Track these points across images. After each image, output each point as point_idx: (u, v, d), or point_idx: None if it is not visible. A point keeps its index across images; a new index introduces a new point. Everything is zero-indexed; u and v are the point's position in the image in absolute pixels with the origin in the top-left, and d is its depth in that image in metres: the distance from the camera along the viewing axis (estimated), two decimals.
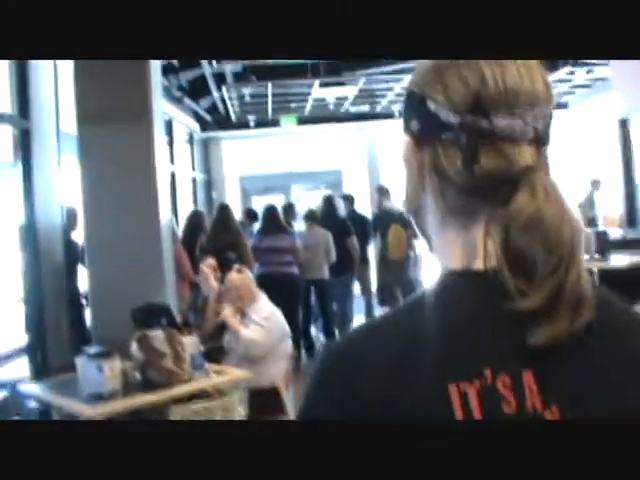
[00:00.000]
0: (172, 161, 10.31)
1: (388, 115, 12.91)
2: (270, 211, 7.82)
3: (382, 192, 9.36)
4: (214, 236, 6.95)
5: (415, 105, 0.89)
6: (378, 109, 12.93)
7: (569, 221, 0.81)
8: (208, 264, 5.29)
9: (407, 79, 1.12)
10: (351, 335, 0.91)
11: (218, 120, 12.44)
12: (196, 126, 12.31)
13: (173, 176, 10.25)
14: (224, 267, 5.42)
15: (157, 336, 3.79)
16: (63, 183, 5.64)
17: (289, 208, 9.15)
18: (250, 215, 10.04)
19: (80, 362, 3.77)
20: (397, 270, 8.48)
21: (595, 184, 10.48)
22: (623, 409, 0.81)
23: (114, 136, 5.17)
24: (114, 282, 5.20)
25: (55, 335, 5.31)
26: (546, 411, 0.79)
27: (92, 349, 3.85)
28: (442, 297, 0.85)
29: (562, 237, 0.79)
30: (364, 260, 9.04)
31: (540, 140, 0.85)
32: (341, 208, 9.06)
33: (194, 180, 12.43)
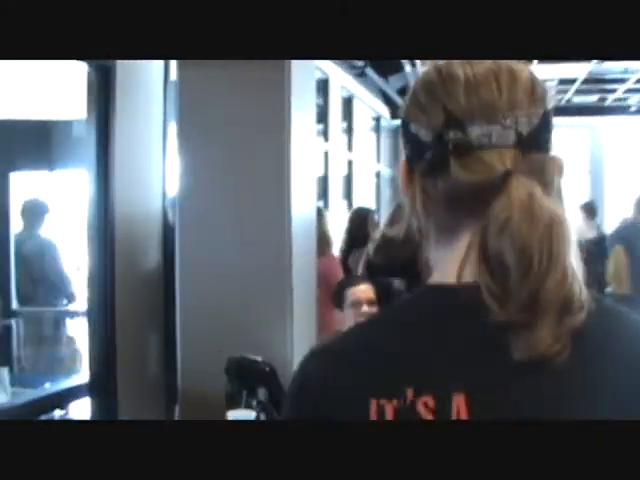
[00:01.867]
0: (350, 148, 8.49)
1: (620, 109, 10.40)
2: None
3: (587, 211, 7.05)
4: (382, 247, 4.97)
5: (404, 131, 0.91)
6: (608, 102, 10.44)
7: (548, 224, 0.78)
8: (358, 294, 3.34)
9: None
10: (328, 343, 0.94)
11: None
12: (385, 110, 10.40)
13: (350, 166, 8.44)
14: (384, 299, 3.46)
15: None
16: (168, 155, 3.87)
17: None
18: None
19: None
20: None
21: None
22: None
23: (224, 85, 3.38)
24: (214, 307, 3.40)
25: (133, 378, 3.59)
26: None
27: None
28: (404, 310, 0.89)
29: (534, 240, 0.77)
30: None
31: (524, 143, 0.84)
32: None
33: (378, 175, 10.55)
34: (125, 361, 3.48)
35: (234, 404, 2.70)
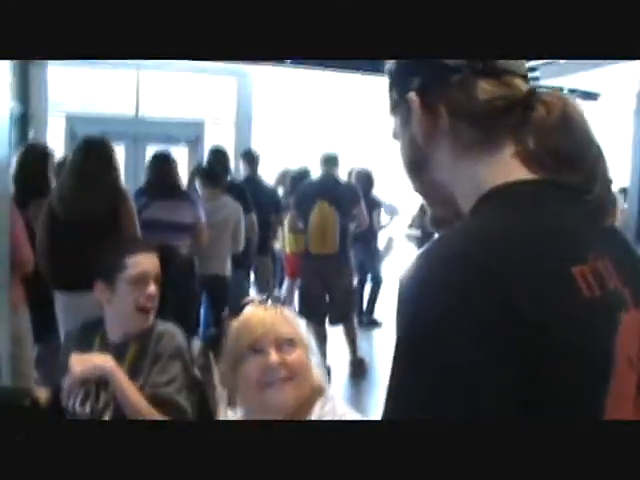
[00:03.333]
0: None
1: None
2: (164, 161, 4.77)
3: (250, 159, 6.62)
4: (78, 195, 3.86)
5: (412, 64, 1.03)
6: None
7: (584, 119, 0.98)
8: (145, 266, 2.32)
9: None
10: (478, 238, 0.89)
11: None
12: None
13: None
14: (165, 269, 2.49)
15: None
16: None
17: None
18: None
19: None
20: (322, 271, 5.73)
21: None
22: None
23: None
24: None
25: None
26: (624, 290, 0.93)
27: None
28: (527, 201, 0.93)
29: (587, 129, 0.98)
30: (264, 250, 6.28)
31: (527, 75, 1.03)
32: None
33: (11, 113, 8.94)
34: None
35: None
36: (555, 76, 9.88)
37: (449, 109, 0.98)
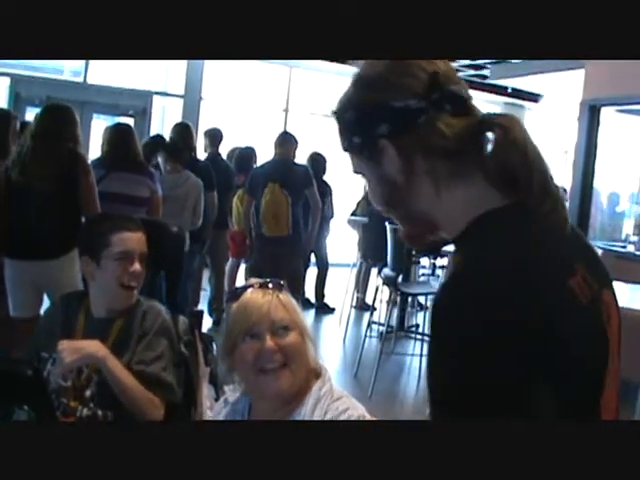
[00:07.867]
0: None
1: None
2: (124, 133, 4.69)
3: (213, 138, 6.60)
4: (37, 159, 3.76)
5: (377, 113, 1.07)
6: None
7: (530, 138, 1.06)
8: (131, 244, 2.30)
9: None
10: (487, 269, 0.97)
11: None
12: None
13: None
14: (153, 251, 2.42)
15: None
16: None
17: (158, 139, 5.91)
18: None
19: None
20: (274, 253, 5.77)
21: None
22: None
23: None
24: None
25: None
26: (602, 291, 1.05)
27: None
28: (515, 226, 1.02)
29: (538, 157, 1.04)
30: (221, 225, 6.28)
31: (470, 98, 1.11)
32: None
33: None
34: None
35: None
36: (502, 77, 10.12)
37: (423, 150, 1.05)
